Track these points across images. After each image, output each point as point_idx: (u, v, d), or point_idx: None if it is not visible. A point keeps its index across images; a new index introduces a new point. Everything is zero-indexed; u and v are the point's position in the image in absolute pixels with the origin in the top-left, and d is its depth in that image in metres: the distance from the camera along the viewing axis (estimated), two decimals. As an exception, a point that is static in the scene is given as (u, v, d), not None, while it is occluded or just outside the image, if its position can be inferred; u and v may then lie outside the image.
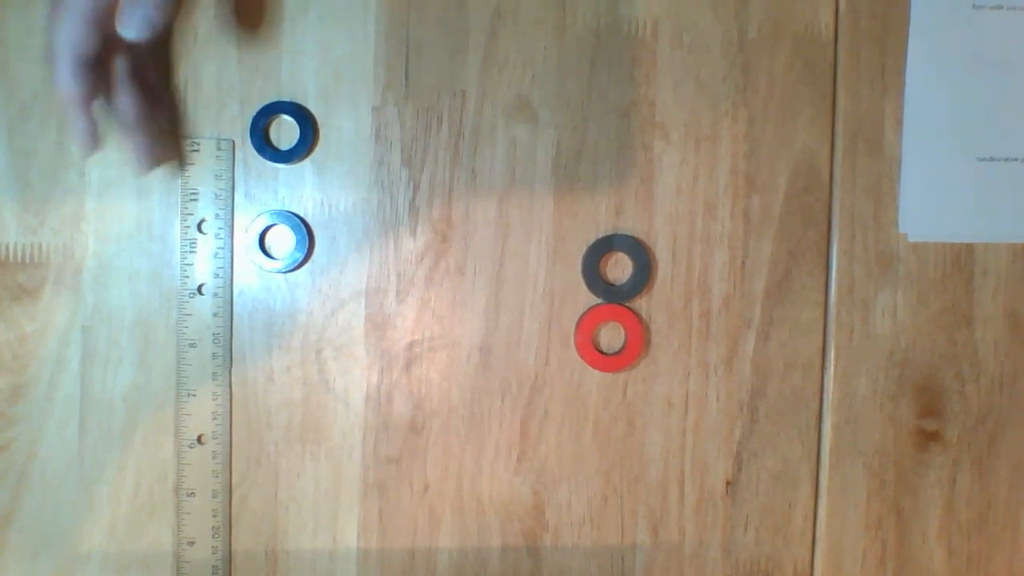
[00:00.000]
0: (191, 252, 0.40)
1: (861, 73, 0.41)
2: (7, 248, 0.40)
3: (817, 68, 0.41)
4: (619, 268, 0.41)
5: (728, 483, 0.42)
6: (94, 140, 0.35)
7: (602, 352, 0.41)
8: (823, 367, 0.42)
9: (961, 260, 0.42)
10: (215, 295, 0.40)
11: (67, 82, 0.33)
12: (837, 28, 0.41)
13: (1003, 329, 0.42)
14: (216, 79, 0.40)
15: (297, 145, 0.40)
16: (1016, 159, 0.41)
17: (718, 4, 0.41)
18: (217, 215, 0.40)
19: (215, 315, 0.40)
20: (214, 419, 0.40)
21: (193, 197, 0.40)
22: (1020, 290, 0.42)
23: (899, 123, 0.41)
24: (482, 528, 0.41)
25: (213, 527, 0.40)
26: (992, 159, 0.41)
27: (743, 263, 0.41)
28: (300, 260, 0.40)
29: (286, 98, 0.40)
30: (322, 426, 0.41)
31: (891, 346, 0.41)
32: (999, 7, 0.41)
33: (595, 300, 0.41)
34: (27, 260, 0.40)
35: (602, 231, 0.41)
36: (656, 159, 0.41)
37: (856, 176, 0.41)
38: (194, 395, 0.40)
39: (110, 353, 0.40)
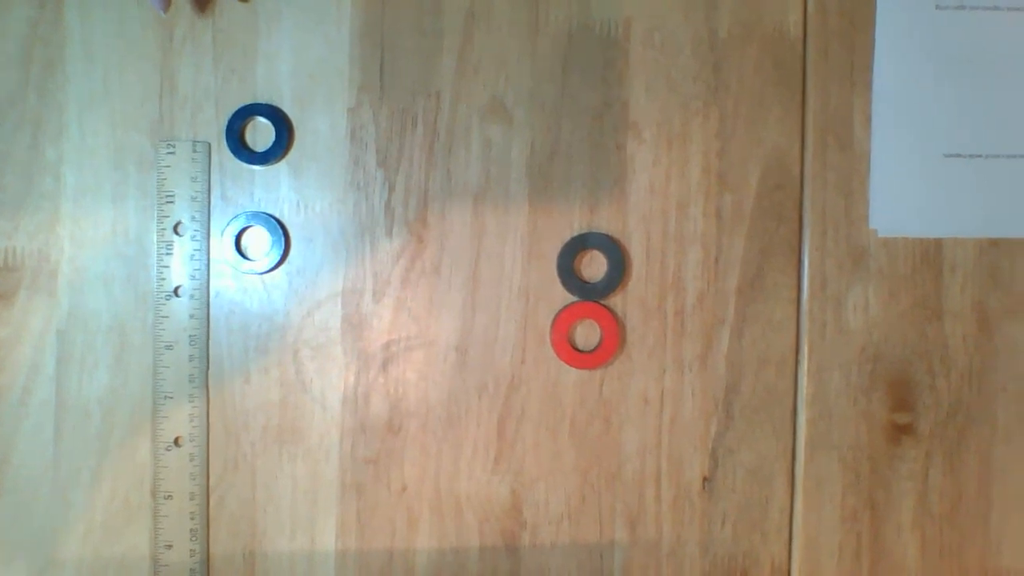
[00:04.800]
0: (167, 255, 0.40)
1: (830, 71, 0.42)
2: (-19, 252, 0.40)
3: (787, 67, 0.42)
4: (594, 266, 0.42)
5: (704, 479, 0.42)
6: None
7: (578, 350, 0.41)
8: (796, 363, 0.42)
9: (930, 255, 0.42)
10: (191, 297, 0.40)
11: None
12: (806, 27, 0.42)
13: (971, 323, 0.42)
14: (192, 81, 0.40)
15: (273, 147, 0.40)
16: (981, 155, 0.42)
17: (688, 5, 0.42)
18: (193, 217, 0.40)
19: (191, 317, 0.40)
20: (191, 421, 0.40)
21: (169, 200, 0.40)
22: (987, 284, 0.42)
23: (868, 120, 0.42)
24: (460, 528, 0.41)
25: (191, 530, 0.40)
26: (959, 155, 0.42)
27: (716, 260, 0.42)
28: (276, 261, 0.40)
29: (261, 100, 0.41)
30: (299, 427, 0.41)
31: (863, 341, 0.42)
32: (961, 7, 0.42)
33: (570, 298, 0.41)
34: (1, 265, 0.40)
35: (576, 230, 0.41)
36: (629, 158, 0.42)
37: (827, 173, 0.42)
38: (171, 397, 0.40)
39: (86, 357, 0.40)
